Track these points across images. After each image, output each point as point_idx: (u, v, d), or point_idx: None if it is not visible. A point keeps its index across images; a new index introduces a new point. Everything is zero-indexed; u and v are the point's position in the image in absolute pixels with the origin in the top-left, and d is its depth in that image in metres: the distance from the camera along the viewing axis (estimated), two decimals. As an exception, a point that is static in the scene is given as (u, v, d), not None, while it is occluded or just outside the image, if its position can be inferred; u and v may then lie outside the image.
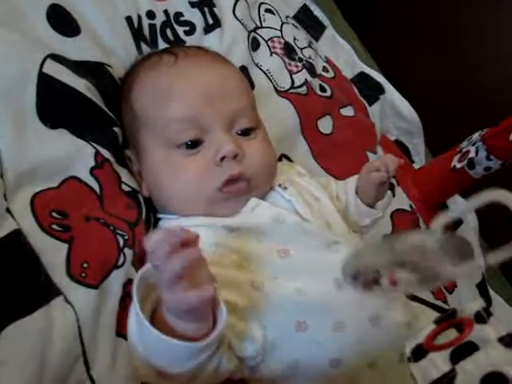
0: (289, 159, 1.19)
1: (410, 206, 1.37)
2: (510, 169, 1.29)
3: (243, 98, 0.94)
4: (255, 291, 0.81)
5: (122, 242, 0.82)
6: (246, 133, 0.92)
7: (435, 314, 0.65)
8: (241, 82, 0.98)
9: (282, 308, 0.81)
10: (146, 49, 1.08)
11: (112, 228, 0.82)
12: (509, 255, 0.58)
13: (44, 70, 0.85)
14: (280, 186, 0.95)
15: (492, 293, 1.43)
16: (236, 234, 0.86)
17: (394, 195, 1.33)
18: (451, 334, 0.55)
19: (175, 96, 0.88)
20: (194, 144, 0.87)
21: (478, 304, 0.56)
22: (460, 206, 0.58)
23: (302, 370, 0.82)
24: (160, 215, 0.93)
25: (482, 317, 0.54)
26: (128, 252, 0.82)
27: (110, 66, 0.99)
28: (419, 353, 0.54)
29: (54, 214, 0.79)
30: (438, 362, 0.51)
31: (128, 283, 0.81)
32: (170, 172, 0.87)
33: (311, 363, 0.82)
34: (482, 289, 1.39)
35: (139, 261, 0.85)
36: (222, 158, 0.86)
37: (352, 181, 1.04)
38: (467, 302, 1.08)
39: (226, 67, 0.98)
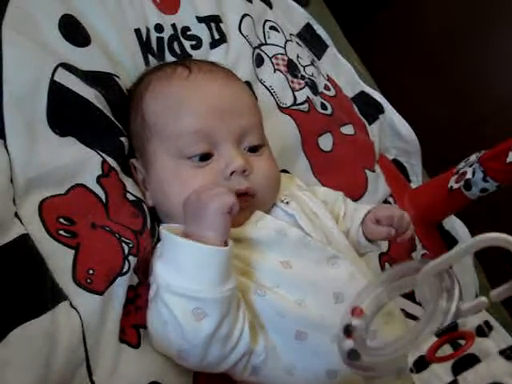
0: (287, 172, 1.20)
1: (407, 225, 1.38)
2: (505, 191, 1.31)
3: (253, 115, 0.96)
4: (258, 297, 0.83)
5: (126, 250, 0.83)
6: (254, 149, 0.94)
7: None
8: (251, 99, 1.00)
9: (283, 316, 0.83)
10: (153, 61, 1.09)
11: (117, 236, 0.83)
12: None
13: (55, 79, 0.86)
14: (282, 201, 0.97)
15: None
16: (239, 244, 0.88)
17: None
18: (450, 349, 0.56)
19: (188, 109, 0.90)
20: (204, 157, 0.89)
21: (479, 318, 0.57)
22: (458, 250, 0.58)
23: (299, 377, 0.84)
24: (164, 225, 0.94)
25: (483, 330, 0.56)
26: (132, 259, 0.83)
27: (118, 76, 1.00)
28: (421, 364, 0.55)
29: (62, 220, 0.80)
30: (440, 373, 0.52)
31: (130, 290, 0.82)
32: (179, 182, 0.89)
33: (308, 372, 0.84)
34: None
35: (143, 268, 0.86)
36: (232, 173, 0.88)
37: (361, 211, 1.06)
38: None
39: (238, 84, 1.00)
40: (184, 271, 0.77)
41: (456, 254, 0.60)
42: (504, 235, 0.57)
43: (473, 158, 1.34)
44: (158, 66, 1.03)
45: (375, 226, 1.01)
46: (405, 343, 0.61)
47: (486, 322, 0.56)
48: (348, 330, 0.68)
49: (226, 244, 0.80)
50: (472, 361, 0.52)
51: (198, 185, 0.87)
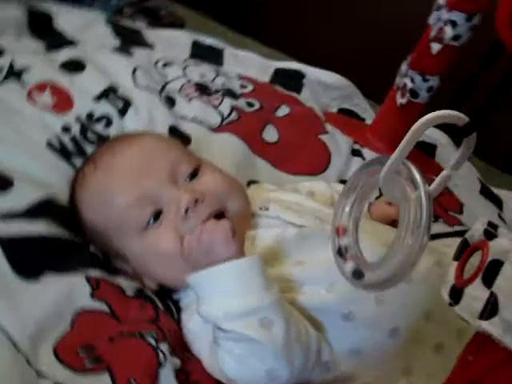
0: (256, 182, 1.20)
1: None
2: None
3: (171, 151, 0.97)
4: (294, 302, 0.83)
5: (153, 342, 0.82)
6: (193, 175, 0.94)
7: (458, 240, 0.64)
8: (161, 141, 1.02)
9: (320, 310, 0.84)
10: (78, 162, 1.08)
11: (138, 334, 0.83)
12: None
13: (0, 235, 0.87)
14: (261, 209, 0.97)
15: (498, 190, 1.44)
16: None
17: (364, 159, 1.35)
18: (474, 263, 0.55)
19: (111, 192, 0.91)
20: (156, 216, 0.89)
21: (481, 223, 0.57)
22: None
23: (366, 352, 0.84)
24: (176, 297, 0.94)
25: (491, 232, 0.55)
26: (164, 347, 0.82)
27: (55, 198, 0.99)
28: (456, 294, 0.55)
29: (81, 353, 0.79)
30: (476, 294, 0.52)
31: (178, 373, 0.81)
32: (154, 255, 0.89)
33: (374, 343, 0.84)
34: (486, 193, 1.40)
35: (180, 346, 0.85)
36: (186, 210, 0.87)
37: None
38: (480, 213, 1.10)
39: (141, 139, 1.00)
40: (233, 292, 0.78)
41: (406, 143, 0.60)
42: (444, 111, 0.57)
43: (403, 67, 1.34)
44: (73, 176, 1.03)
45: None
46: (401, 250, 0.59)
47: (489, 223, 0.56)
48: (341, 253, 0.68)
49: None
50: (497, 266, 0.52)
51: (167, 243, 0.87)
